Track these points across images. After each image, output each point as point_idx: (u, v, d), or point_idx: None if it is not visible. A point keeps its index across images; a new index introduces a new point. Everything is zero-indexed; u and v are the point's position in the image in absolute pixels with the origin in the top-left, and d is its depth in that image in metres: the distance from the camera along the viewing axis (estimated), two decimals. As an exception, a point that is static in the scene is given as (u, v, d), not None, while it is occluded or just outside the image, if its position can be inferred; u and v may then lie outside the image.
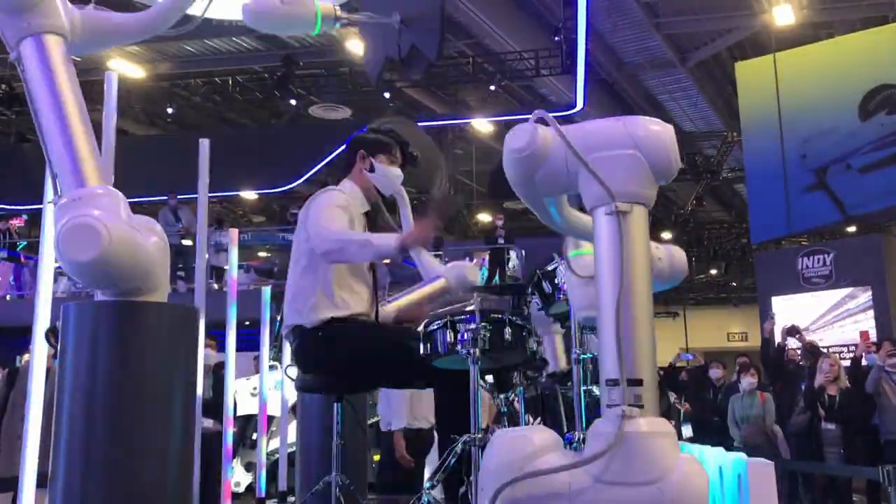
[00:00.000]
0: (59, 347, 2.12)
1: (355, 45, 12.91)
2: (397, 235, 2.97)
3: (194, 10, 2.47)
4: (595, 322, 1.91)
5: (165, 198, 13.02)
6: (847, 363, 8.37)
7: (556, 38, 12.96)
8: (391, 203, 3.28)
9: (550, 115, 1.95)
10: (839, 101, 14.61)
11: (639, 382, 1.78)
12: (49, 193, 2.20)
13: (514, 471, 1.79)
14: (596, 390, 4.04)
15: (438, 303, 3.34)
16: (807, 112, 14.79)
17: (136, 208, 2.15)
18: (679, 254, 2.64)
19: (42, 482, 2.46)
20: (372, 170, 3.15)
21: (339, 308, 2.98)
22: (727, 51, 16.31)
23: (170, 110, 16.30)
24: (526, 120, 1.97)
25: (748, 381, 7.74)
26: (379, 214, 3.27)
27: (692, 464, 1.76)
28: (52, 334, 3.10)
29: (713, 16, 14.95)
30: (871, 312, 13.06)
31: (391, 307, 3.29)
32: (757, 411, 7.64)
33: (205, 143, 3.82)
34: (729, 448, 5.88)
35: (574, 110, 14.42)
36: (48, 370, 3.09)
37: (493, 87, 14.23)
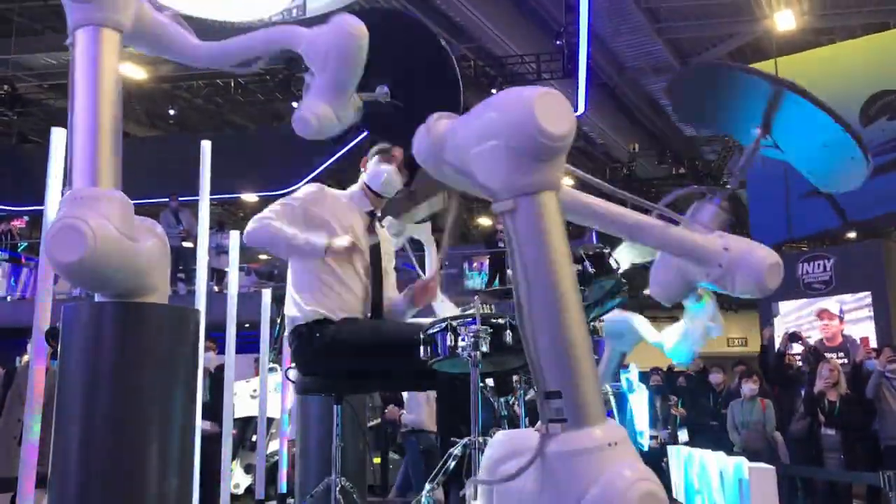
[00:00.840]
0: (59, 348, 2.12)
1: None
2: (324, 243, 2.96)
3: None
4: None
5: (167, 200, 13.02)
6: (843, 361, 8.36)
7: (558, 42, 12.98)
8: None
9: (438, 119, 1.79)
10: (840, 107, 14.37)
11: (556, 395, 1.57)
12: (59, 187, 2.21)
13: (495, 467, 1.69)
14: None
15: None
16: (808, 117, 14.79)
17: (137, 210, 2.15)
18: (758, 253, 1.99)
19: (41, 483, 2.46)
20: (365, 168, 3.27)
21: (329, 304, 2.99)
22: (728, 56, 16.32)
23: (171, 112, 16.32)
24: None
25: (749, 387, 7.76)
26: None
27: (609, 486, 1.48)
28: (51, 335, 3.10)
29: (714, 21, 14.98)
30: (871, 318, 13.06)
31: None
32: (757, 417, 7.66)
33: (206, 145, 3.82)
34: (728, 453, 5.89)
35: (575, 114, 14.43)
36: (46, 370, 3.10)
37: (494, 91, 14.22)
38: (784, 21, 14.10)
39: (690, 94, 2.30)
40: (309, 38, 2.21)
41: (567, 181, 1.79)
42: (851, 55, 14.81)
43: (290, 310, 3.06)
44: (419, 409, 6.74)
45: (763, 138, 2.22)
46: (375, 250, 3.14)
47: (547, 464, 1.55)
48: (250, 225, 2.99)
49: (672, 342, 2.29)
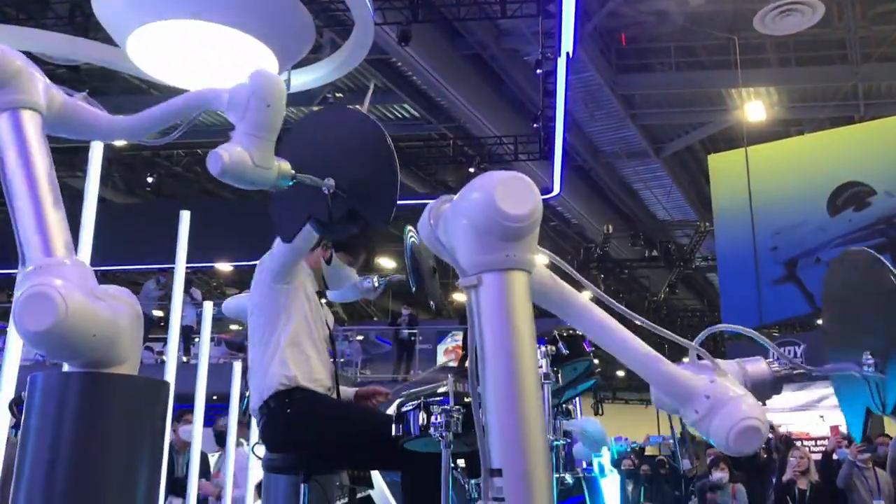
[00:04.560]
0: (22, 418, 2.06)
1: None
2: None
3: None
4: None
5: (141, 267, 12.92)
6: (818, 456, 8.36)
7: (535, 125, 13.27)
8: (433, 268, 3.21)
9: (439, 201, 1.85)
10: (808, 196, 15.01)
11: (498, 473, 1.57)
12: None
13: None
14: (568, 478, 3.99)
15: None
16: (777, 205, 15.17)
17: (113, 277, 2.14)
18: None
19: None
20: (329, 262, 3.16)
21: (304, 369, 2.94)
22: (700, 143, 16.78)
23: (150, 179, 16.35)
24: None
25: (718, 475, 7.76)
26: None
27: None
28: (15, 405, 3.03)
29: (687, 109, 15.45)
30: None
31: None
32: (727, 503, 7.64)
33: (185, 215, 3.82)
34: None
35: (551, 195, 14.68)
36: (7, 441, 3.01)
37: (472, 170, 14.48)
38: (755, 112, 14.58)
39: None
40: (231, 93, 2.27)
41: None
42: (820, 146, 15.29)
43: (259, 380, 2.96)
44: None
45: None
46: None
47: None
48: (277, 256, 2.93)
49: None
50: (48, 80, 2.31)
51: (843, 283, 2.16)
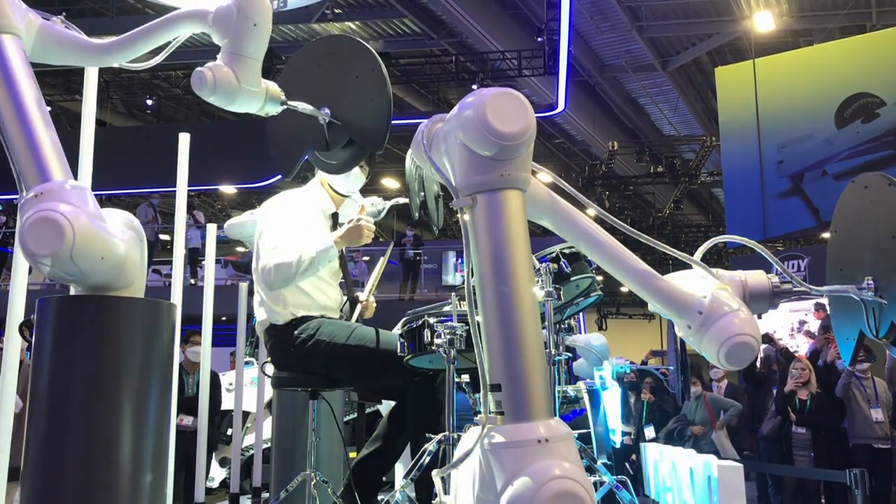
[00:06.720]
0: (33, 341, 2.10)
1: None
2: (331, 235, 2.99)
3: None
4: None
5: (143, 190, 12.92)
6: (808, 346, 8.53)
7: (539, 39, 13.01)
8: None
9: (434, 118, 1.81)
10: (816, 109, 14.79)
11: (497, 388, 1.62)
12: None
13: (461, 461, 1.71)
14: (570, 391, 4.08)
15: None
16: (784, 118, 14.96)
17: (114, 201, 2.14)
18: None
19: (14, 475, 2.45)
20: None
21: (305, 303, 3.01)
22: (707, 56, 16.46)
23: (149, 102, 16.18)
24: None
25: (692, 389, 8.18)
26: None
27: (527, 481, 1.49)
28: (26, 328, 3.08)
29: (695, 21, 15.09)
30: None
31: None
32: (701, 416, 8.00)
33: (184, 137, 3.80)
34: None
35: (555, 111, 14.50)
36: (21, 363, 3.07)
37: (475, 87, 14.27)
38: (763, 22, 14.24)
39: None
40: (216, 11, 2.22)
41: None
42: (829, 57, 14.97)
43: (263, 311, 3.05)
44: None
45: None
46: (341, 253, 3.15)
47: (483, 455, 1.59)
48: (269, 279, 2.90)
49: None
50: (24, 4, 2.26)
51: (855, 206, 2.15)
